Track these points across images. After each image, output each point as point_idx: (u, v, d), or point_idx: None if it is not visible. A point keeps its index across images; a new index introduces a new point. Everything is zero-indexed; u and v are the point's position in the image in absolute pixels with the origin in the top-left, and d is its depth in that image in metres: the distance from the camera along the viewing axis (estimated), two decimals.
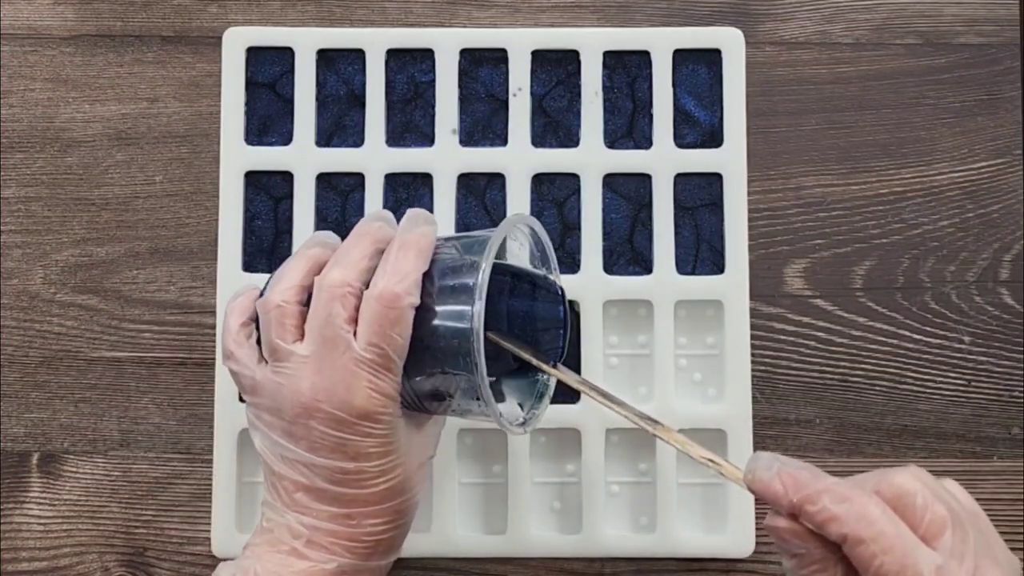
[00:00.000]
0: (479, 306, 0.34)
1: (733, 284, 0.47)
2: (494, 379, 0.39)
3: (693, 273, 0.48)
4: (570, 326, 0.41)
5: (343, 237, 0.38)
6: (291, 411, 0.35)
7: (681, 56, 0.49)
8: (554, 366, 0.38)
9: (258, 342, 0.37)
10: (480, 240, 0.37)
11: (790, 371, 0.48)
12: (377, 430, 0.35)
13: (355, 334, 0.35)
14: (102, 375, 0.48)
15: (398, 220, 0.38)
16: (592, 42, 0.49)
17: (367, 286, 0.35)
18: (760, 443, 0.47)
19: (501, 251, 0.40)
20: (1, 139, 0.49)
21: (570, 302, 0.44)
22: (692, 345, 0.48)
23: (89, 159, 0.49)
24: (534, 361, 0.38)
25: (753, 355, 0.47)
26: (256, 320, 0.37)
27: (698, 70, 0.49)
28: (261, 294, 0.38)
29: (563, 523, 0.47)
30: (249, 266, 0.48)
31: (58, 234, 0.49)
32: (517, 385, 0.40)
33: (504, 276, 0.40)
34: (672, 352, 0.47)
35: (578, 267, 0.48)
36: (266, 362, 0.37)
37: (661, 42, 0.49)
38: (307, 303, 0.36)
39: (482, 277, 0.35)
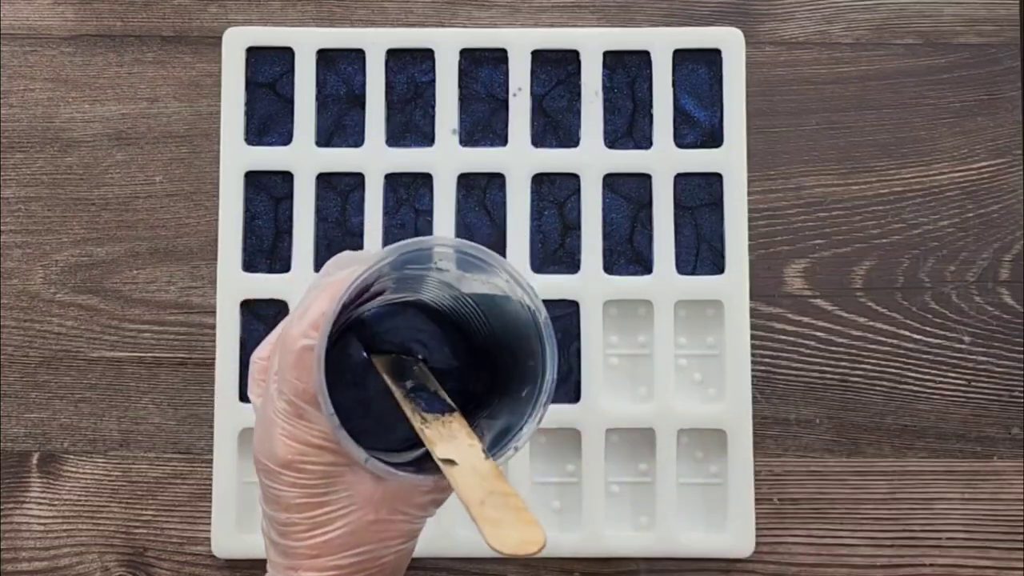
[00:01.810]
0: (319, 353, 0.31)
1: (733, 284, 0.47)
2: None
3: (693, 273, 0.48)
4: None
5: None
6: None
7: (681, 56, 0.49)
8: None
9: None
10: (414, 277, 0.35)
11: (790, 371, 0.48)
12: (302, 480, 0.33)
13: None
14: (102, 375, 0.48)
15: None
16: (592, 42, 0.49)
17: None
18: (760, 443, 0.47)
19: (416, 277, 0.36)
20: (1, 139, 0.49)
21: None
22: (692, 345, 0.48)
23: (89, 159, 0.49)
24: (395, 391, 0.34)
25: (753, 355, 0.47)
26: None
27: (698, 70, 0.49)
28: None
29: (563, 523, 0.47)
30: (249, 266, 0.48)
31: (58, 234, 0.49)
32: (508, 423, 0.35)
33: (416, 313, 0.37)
34: (672, 352, 0.47)
35: (578, 267, 0.48)
36: None
37: (661, 42, 0.49)
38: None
39: (329, 305, 0.32)
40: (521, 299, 0.34)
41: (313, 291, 0.34)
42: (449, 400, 0.34)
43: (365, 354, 0.36)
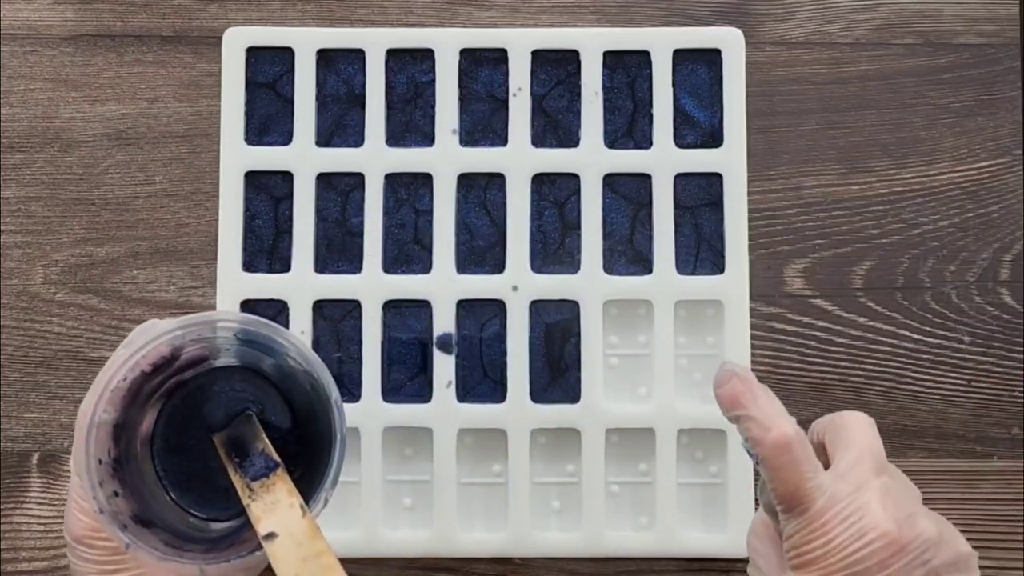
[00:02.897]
0: (86, 432, 0.33)
1: (733, 284, 0.47)
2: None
3: (693, 273, 0.48)
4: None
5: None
6: None
7: (681, 56, 0.49)
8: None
9: None
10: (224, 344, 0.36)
11: (790, 371, 0.48)
12: (94, 555, 0.34)
13: None
14: None
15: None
16: (592, 42, 0.49)
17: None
18: None
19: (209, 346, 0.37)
20: (1, 139, 0.49)
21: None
22: (692, 345, 0.48)
23: (89, 159, 0.49)
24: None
25: (753, 355, 0.47)
26: None
27: (698, 70, 0.49)
28: None
29: (563, 523, 0.47)
30: (249, 266, 0.48)
31: (58, 234, 0.49)
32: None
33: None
34: (672, 352, 0.47)
35: (578, 267, 0.48)
36: None
37: (661, 42, 0.49)
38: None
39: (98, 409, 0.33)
40: (308, 371, 0.34)
41: (108, 363, 0.34)
42: (275, 456, 0.35)
43: (204, 425, 0.37)
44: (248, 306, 0.47)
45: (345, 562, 0.32)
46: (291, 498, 0.33)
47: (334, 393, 0.34)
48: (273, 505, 0.33)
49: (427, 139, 0.49)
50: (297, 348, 0.34)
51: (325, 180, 0.48)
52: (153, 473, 0.37)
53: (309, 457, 0.37)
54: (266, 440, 0.36)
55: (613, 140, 0.49)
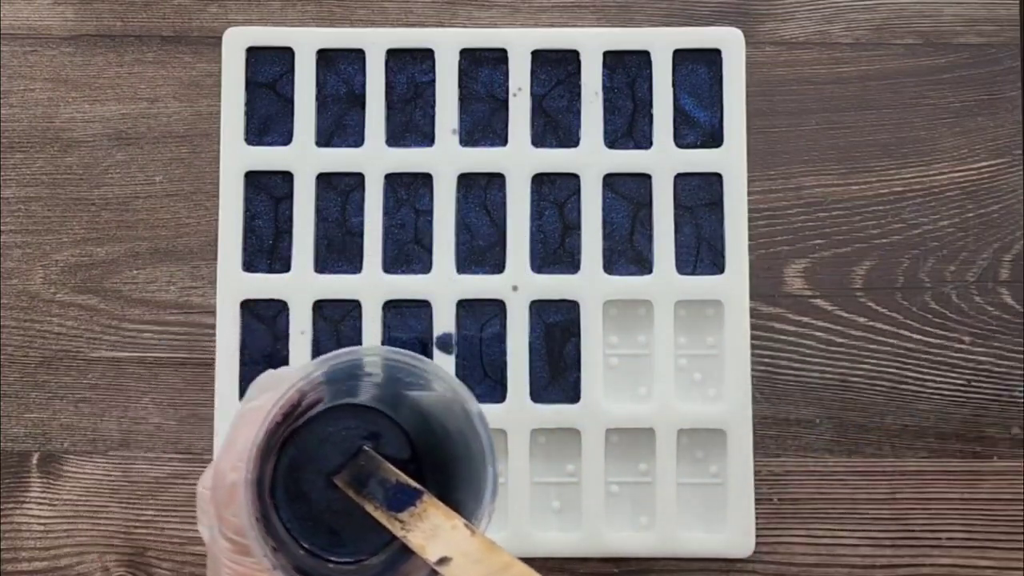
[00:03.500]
0: (245, 489, 0.30)
1: (733, 284, 0.47)
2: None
3: (693, 273, 0.48)
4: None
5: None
6: None
7: (681, 56, 0.49)
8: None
9: None
10: (346, 382, 0.34)
11: (790, 371, 0.48)
12: None
13: None
14: (102, 375, 0.48)
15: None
16: (592, 42, 0.49)
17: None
18: (760, 443, 0.47)
19: (352, 382, 0.36)
20: (1, 139, 0.49)
21: None
22: (692, 345, 0.48)
23: (89, 159, 0.49)
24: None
25: (753, 355, 0.47)
26: None
27: (698, 70, 0.49)
28: None
29: (563, 523, 0.47)
30: (249, 266, 0.48)
31: (58, 234, 0.49)
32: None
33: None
34: (672, 352, 0.47)
35: (578, 267, 0.48)
36: None
37: (661, 42, 0.49)
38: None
39: (252, 447, 0.30)
40: (455, 398, 0.33)
41: (238, 421, 0.33)
42: (413, 483, 0.34)
43: (319, 468, 0.35)
44: (248, 306, 0.47)
45: None
46: (451, 520, 0.32)
47: (475, 407, 0.32)
48: (434, 530, 0.31)
49: (427, 139, 0.49)
50: (437, 371, 0.33)
51: (325, 180, 0.48)
52: (281, 525, 0.35)
53: (438, 480, 0.36)
54: (396, 471, 0.34)
55: (613, 140, 0.49)
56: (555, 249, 0.48)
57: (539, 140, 0.49)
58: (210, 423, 0.47)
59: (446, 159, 0.48)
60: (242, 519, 0.30)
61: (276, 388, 0.32)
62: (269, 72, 0.49)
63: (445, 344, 0.47)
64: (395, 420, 0.37)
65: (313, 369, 0.31)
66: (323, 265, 0.48)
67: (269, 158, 0.48)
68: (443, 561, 0.30)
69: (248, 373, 0.47)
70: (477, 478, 0.33)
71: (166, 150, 0.49)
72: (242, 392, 0.47)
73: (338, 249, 0.48)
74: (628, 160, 0.48)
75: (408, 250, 0.48)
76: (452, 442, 0.35)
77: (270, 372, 0.36)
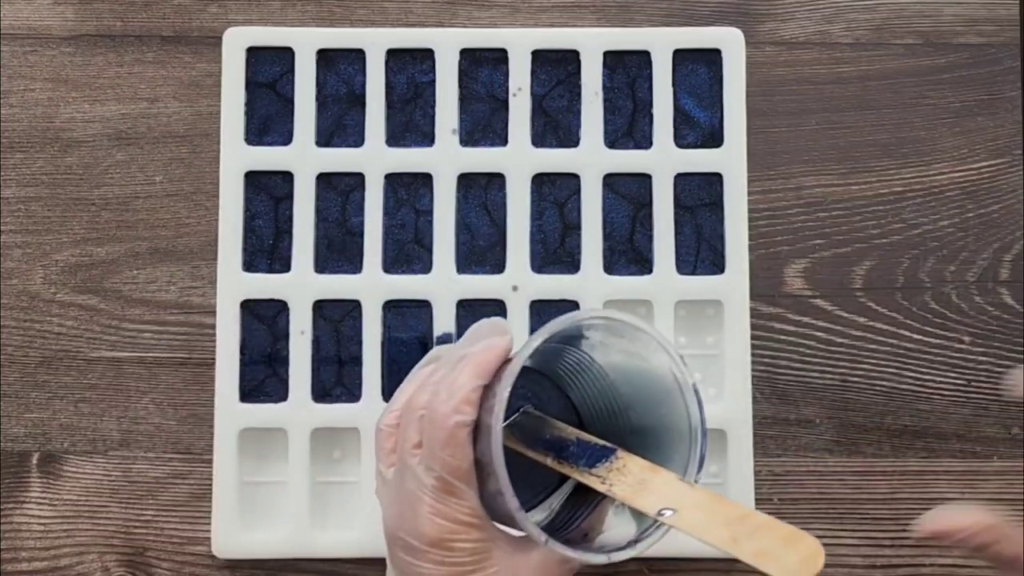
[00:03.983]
0: (498, 413, 0.31)
1: (733, 284, 0.47)
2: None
3: (693, 273, 0.48)
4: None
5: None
6: (385, 535, 0.35)
7: (681, 56, 0.49)
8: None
9: None
10: (558, 347, 0.34)
11: (790, 371, 0.48)
12: (451, 557, 0.32)
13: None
14: (102, 375, 0.48)
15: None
16: (592, 42, 0.49)
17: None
18: (760, 443, 0.47)
19: (575, 341, 0.36)
20: (1, 139, 0.49)
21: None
22: (692, 345, 0.48)
23: (89, 159, 0.49)
24: (548, 463, 0.34)
25: (753, 355, 0.47)
26: None
27: (698, 70, 0.49)
28: None
29: None
30: (249, 266, 0.48)
31: (58, 234, 0.49)
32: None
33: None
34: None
35: (578, 267, 0.48)
36: None
37: (661, 42, 0.49)
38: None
39: (500, 390, 0.31)
40: (666, 366, 0.33)
41: (459, 364, 0.33)
42: (601, 440, 0.33)
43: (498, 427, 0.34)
44: (248, 306, 0.47)
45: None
46: (659, 474, 0.31)
47: (690, 379, 0.33)
48: (642, 484, 0.31)
49: (427, 139, 0.49)
50: (657, 337, 0.33)
51: (325, 180, 0.48)
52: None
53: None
54: (576, 430, 0.34)
55: (613, 140, 0.49)
56: (555, 249, 0.48)
57: (539, 140, 0.49)
58: (210, 423, 0.47)
59: (446, 159, 0.48)
60: (494, 462, 0.30)
61: (491, 337, 0.33)
62: (269, 72, 0.49)
63: (445, 344, 0.47)
64: (550, 379, 0.37)
65: (555, 328, 0.32)
66: (323, 265, 0.48)
67: (269, 158, 0.48)
68: (665, 512, 0.30)
69: (248, 373, 0.47)
70: (668, 448, 0.32)
71: (166, 150, 0.49)
72: (242, 392, 0.47)
73: (338, 249, 0.48)
74: (628, 160, 0.48)
75: (408, 250, 0.48)
76: (628, 410, 0.34)
77: (487, 321, 0.36)
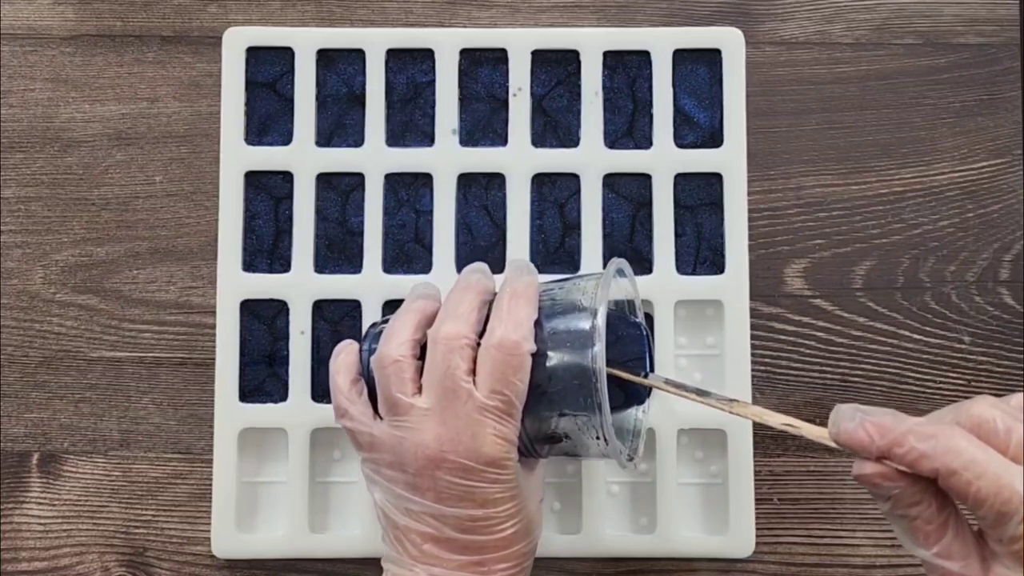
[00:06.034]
0: (599, 347, 0.35)
1: (733, 284, 0.47)
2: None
3: (693, 273, 0.48)
4: (651, 350, 0.43)
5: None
6: (415, 463, 0.36)
7: (681, 56, 0.49)
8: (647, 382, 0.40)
9: (370, 397, 0.38)
10: (575, 285, 0.38)
11: (790, 371, 0.48)
12: (504, 475, 0.36)
13: (475, 383, 0.36)
14: (102, 375, 0.48)
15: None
16: (592, 42, 0.49)
17: (480, 336, 0.36)
18: (760, 443, 0.47)
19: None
20: (1, 139, 0.49)
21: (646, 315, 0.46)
22: (692, 345, 0.48)
23: (89, 159, 0.49)
24: (663, 386, 0.39)
25: (753, 355, 0.47)
26: (365, 376, 0.38)
27: (698, 70, 0.49)
28: (362, 350, 0.39)
29: (563, 523, 0.47)
30: (249, 266, 0.48)
31: (58, 234, 0.49)
32: (615, 423, 0.41)
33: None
34: (672, 352, 0.47)
35: (578, 267, 0.48)
36: (381, 417, 0.37)
37: (661, 42, 0.49)
38: (420, 356, 0.37)
39: (600, 320, 0.36)
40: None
41: (512, 299, 0.37)
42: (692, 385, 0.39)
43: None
44: (248, 306, 0.47)
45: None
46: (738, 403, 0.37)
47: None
48: (743, 407, 0.37)
49: (427, 139, 0.49)
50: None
51: (325, 180, 0.48)
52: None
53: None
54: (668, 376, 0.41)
55: (613, 140, 0.49)
56: (555, 249, 0.48)
57: (539, 140, 0.49)
58: (210, 423, 0.47)
59: (446, 159, 0.48)
60: (600, 392, 0.35)
61: (528, 276, 0.38)
62: (269, 72, 0.49)
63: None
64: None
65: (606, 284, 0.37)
66: (323, 265, 0.48)
67: (269, 158, 0.48)
68: (791, 426, 0.35)
69: (248, 373, 0.47)
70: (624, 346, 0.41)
71: (166, 150, 0.49)
72: (242, 392, 0.47)
73: (338, 249, 0.48)
74: (628, 160, 0.48)
75: (408, 250, 0.48)
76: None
77: (420, 283, 0.41)
